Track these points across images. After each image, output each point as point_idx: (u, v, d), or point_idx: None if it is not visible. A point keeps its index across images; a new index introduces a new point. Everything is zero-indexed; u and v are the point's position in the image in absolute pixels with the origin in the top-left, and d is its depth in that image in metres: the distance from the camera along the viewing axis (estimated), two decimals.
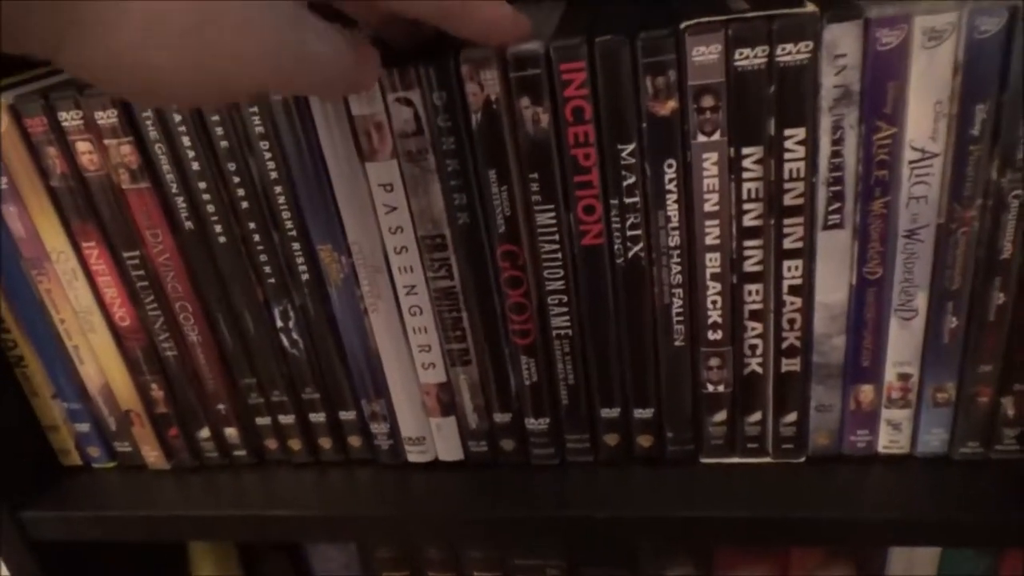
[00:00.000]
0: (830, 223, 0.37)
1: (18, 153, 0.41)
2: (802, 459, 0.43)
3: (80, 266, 0.44)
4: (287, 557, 0.67)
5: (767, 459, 0.44)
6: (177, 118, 0.39)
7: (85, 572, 0.54)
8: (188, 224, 0.42)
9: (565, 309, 0.41)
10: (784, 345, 0.40)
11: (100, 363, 0.46)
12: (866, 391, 0.41)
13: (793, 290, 0.39)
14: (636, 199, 0.38)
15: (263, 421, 0.48)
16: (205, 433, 0.48)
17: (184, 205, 0.41)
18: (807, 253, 0.38)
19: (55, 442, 0.50)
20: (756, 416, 0.43)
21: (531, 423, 0.45)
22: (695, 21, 0.33)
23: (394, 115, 0.37)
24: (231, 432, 0.48)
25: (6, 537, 0.48)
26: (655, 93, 0.35)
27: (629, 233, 0.38)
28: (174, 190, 0.41)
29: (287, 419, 0.47)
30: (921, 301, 0.38)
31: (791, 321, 0.39)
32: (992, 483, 0.41)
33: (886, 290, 0.38)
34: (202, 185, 0.40)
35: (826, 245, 0.38)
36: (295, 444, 0.48)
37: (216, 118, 0.39)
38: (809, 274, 0.38)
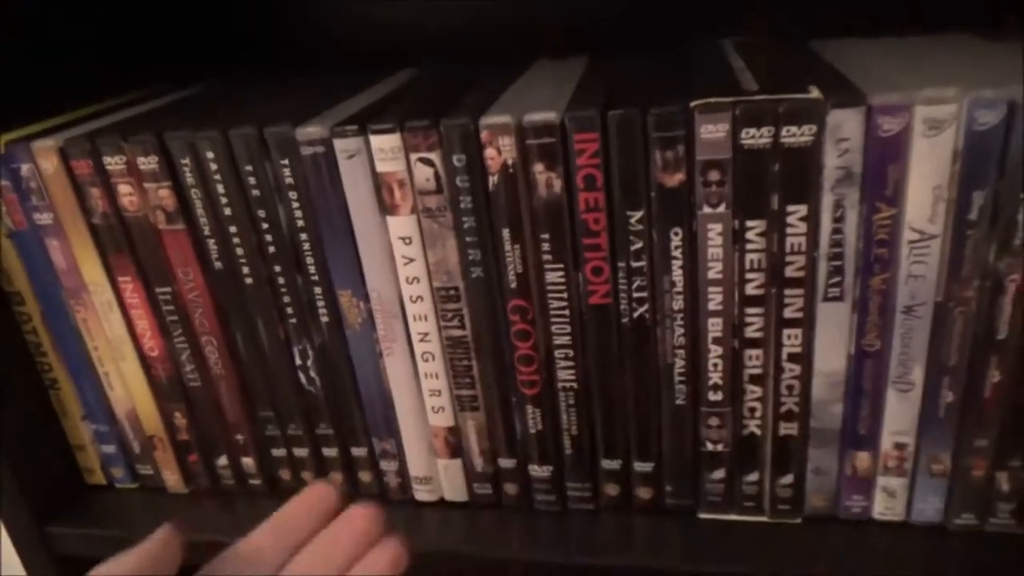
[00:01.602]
0: (830, 295, 0.38)
1: (64, 192, 0.43)
2: (798, 519, 0.44)
3: (115, 298, 0.46)
4: None
5: (764, 518, 0.45)
6: (213, 167, 0.41)
7: None
8: (218, 264, 0.44)
9: (571, 363, 0.42)
10: (783, 409, 0.41)
11: (129, 389, 0.49)
12: (862, 458, 0.42)
13: (792, 357, 0.40)
14: (643, 263, 0.39)
15: (279, 452, 0.50)
16: (223, 461, 0.50)
17: (215, 247, 0.44)
18: (807, 322, 0.39)
19: (82, 461, 0.53)
20: (754, 476, 0.44)
21: (535, 469, 0.46)
22: (704, 101, 0.35)
23: (416, 173, 0.39)
24: (248, 461, 0.50)
25: (32, 549, 0.50)
26: (664, 165, 0.37)
27: (635, 295, 0.40)
28: (206, 232, 0.43)
29: (301, 452, 0.49)
30: (918, 375, 0.39)
31: (790, 387, 0.41)
32: (986, 555, 0.41)
33: (884, 362, 0.39)
34: (233, 229, 0.43)
35: (826, 316, 0.39)
36: (308, 476, 0.50)
37: (249, 167, 0.41)
38: (808, 342, 0.39)
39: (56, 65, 0.52)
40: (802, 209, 0.36)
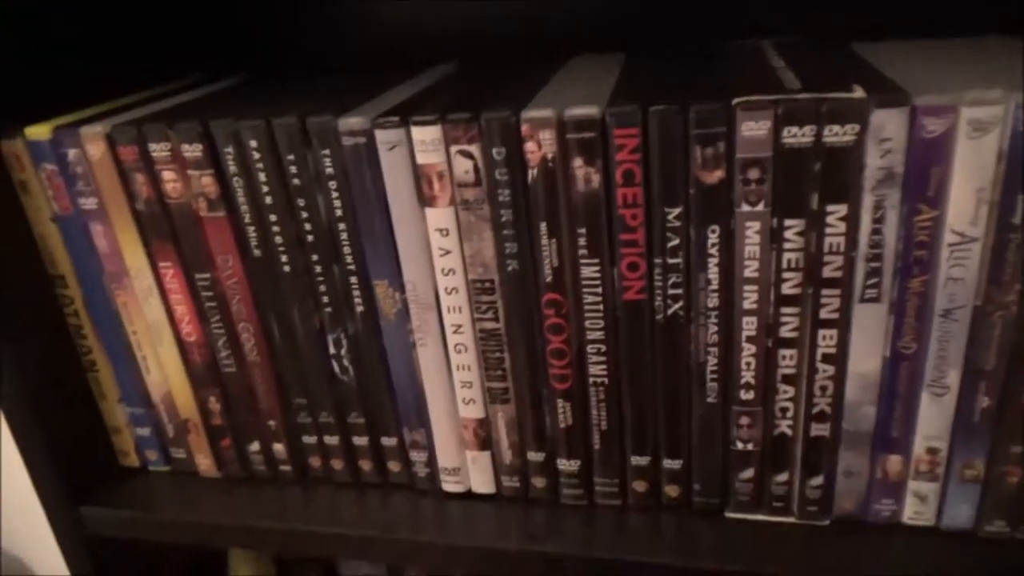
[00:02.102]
0: (867, 296, 0.38)
1: (109, 177, 0.44)
2: (826, 521, 0.44)
3: (155, 283, 0.47)
4: (321, 568, 0.69)
5: (792, 519, 0.45)
6: (255, 155, 0.42)
7: (131, 567, 0.57)
8: (257, 252, 0.45)
9: (603, 358, 0.43)
10: (815, 410, 0.41)
11: (165, 373, 0.50)
12: (894, 461, 0.42)
13: (826, 358, 0.40)
14: (679, 260, 0.39)
15: (309, 440, 0.50)
16: (255, 447, 0.51)
17: (255, 234, 0.44)
18: (842, 323, 0.39)
19: (117, 443, 0.54)
20: (783, 476, 0.44)
21: (563, 463, 0.46)
22: (746, 98, 0.35)
23: (455, 166, 0.39)
24: (279, 448, 0.51)
25: (66, 529, 0.51)
26: (703, 162, 0.37)
27: (670, 292, 0.40)
28: (247, 220, 0.44)
29: (332, 440, 0.50)
30: (953, 379, 0.39)
31: (823, 387, 0.41)
32: (1018, 563, 0.41)
33: (919, 365, 0.39)
34: (273, 217, 0.43)
35: (862, 317, 0.39)
36: (337, 464, 0.50)
37: (291, 156, 0.42)
38: (843, 343, 0.39)
39: (88, 57, 0.54)
40: (842, 209, 0.36)
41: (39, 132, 0.44)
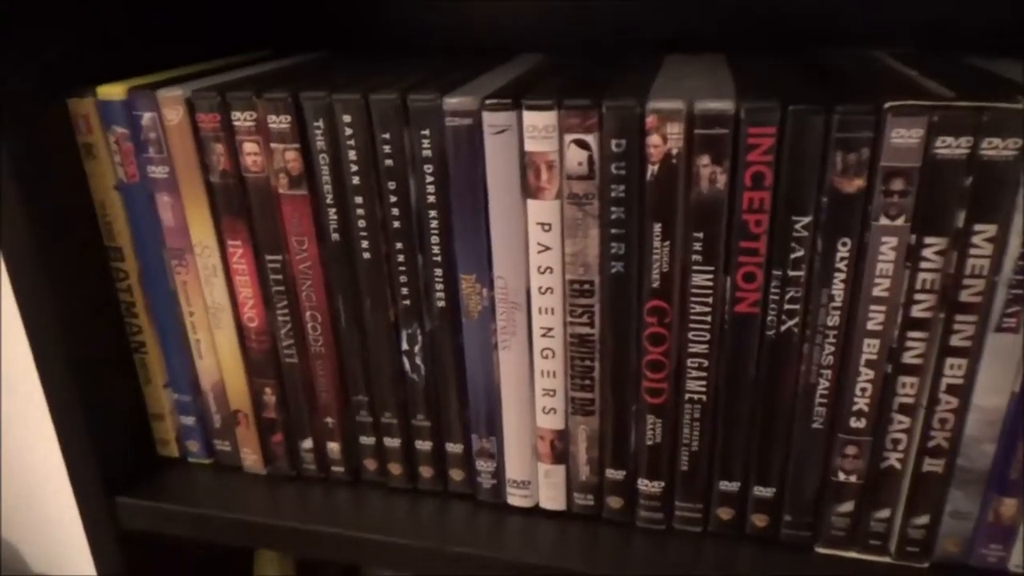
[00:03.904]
0: (1004, 326, 0.35)
1: (184, 145, 0.41)
2: (925, 564, 0.41)
3: (221, 263, 0.44)
4: (344, 568, 0.66)
5: (887, 559, 0.42)
6: (347, 131, 0.39)
7: (156, 563, 0.54)
8: (335, 236, 0.42)
9: (703, 374, 0.40)
10: (930, 444, 0.38)
11: (219, 360, 0.47)
12: (1008, 504, 0.39)
13: (951, 389, 0.37)
14: (801, 273, 0.37)
15: (367, 440, 0.47)
16: (308, 444, 0.48)
17: (335, 217, 0.41)
18: (973, 353, 0.36)
19: (157, 431, 0.50)
20: (884, 513, 0.41)
21: (644, 484, 0.43)
22: (900, 102, 0.33)
23: (568, 156, 0.37)
24: (333, 447, 0.48)
25: (98, 520, 0.48)
26: (843, 169, 0.34)
27: (787, 307, 0.37)
28: (328, 201, 0.41)
29: (392, 442, 0.46)
30: None
31: (942, 420, 0.38)
32: None
33: None
34: (358, 200, 0.40)
35: (995, 347, 0.36)
36: (395, 468, 0.47)
37: (386, 135, 0.39)
38: (971, 374, 0.37)
39: (148, 29, 0.51)
40: (990, 229, 0.34)
41: (112, 92, 0.41)
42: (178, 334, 0.46)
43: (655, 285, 0.38)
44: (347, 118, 0.39)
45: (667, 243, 0.37)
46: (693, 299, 0.38)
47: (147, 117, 0.41)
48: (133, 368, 0.49)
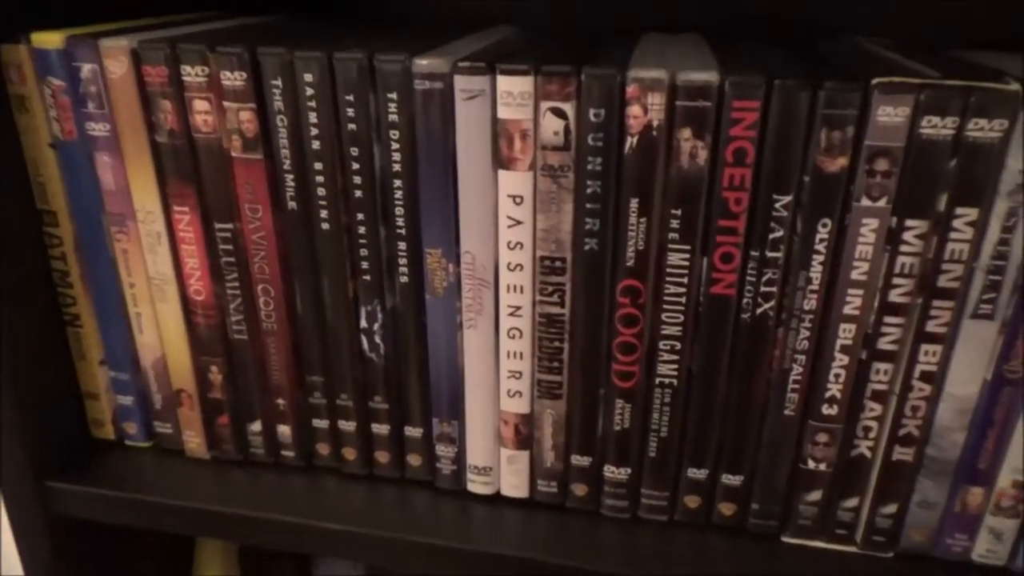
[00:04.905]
0: (980, 312, 0.35)
1: (128, 101, 0.38)
2: (890, 554, 0.41)
3: (166, 230, 0.41)
4: (294, 564, 0.63)
5: (853, 548, 0.41)
6: (308, 91, 0.37)
7: (92, 553, 0.50)
8: (292, 204, 0.39)
9: (675, 357, 0.38)
10: (901, 432, 0.38)
11: (161, 335, 0.43)
12: (975, 494, 0.39)
13: (925, 376, 0.36)
14: (779, 255, 0.35)
15: (320, 424, 0.45)
16: (256, 427, 0.45)
17: (293, 184, 0.39)
18: (948, 339, 0.36)
19: (91, 411, 0.47)
20: (853, 502, 0.40)
21: (610, 471, 0.42)
22: (888, 79, 0.32)
23: (543, 125, 0.35)
24: (284, 430, 0.45)
25: (27, 505, 0.45)
26: (827, 147, 0.33)
27: (763, 289, 0.36)
28: (286, 167, 0.38)
29: (347, 426, 0.44)
30: None
31: (915, 408, 0.37)
32: None
33: (1022, 392, 0.36)
34: (318, 166, 0.38)
35: (969, 334, 0.35)
36: (350, 453, 0.45)
37: (350, 98, 0.36)
38: (945, 361, 0.36)
39: None
40: (972, 213, 0.33)
41: (49, 40, 0.38)
42: (117, 307, 0.43)
43: (630, 264, 0.37)
44: (308, 77, 0.36)
45: (643, 220, 0.36)
46: (668, 279, 0.37)
47: (87, 69, 0.38)
48: (66, 343, 0.45)
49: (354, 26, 0.48)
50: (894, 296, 0.35)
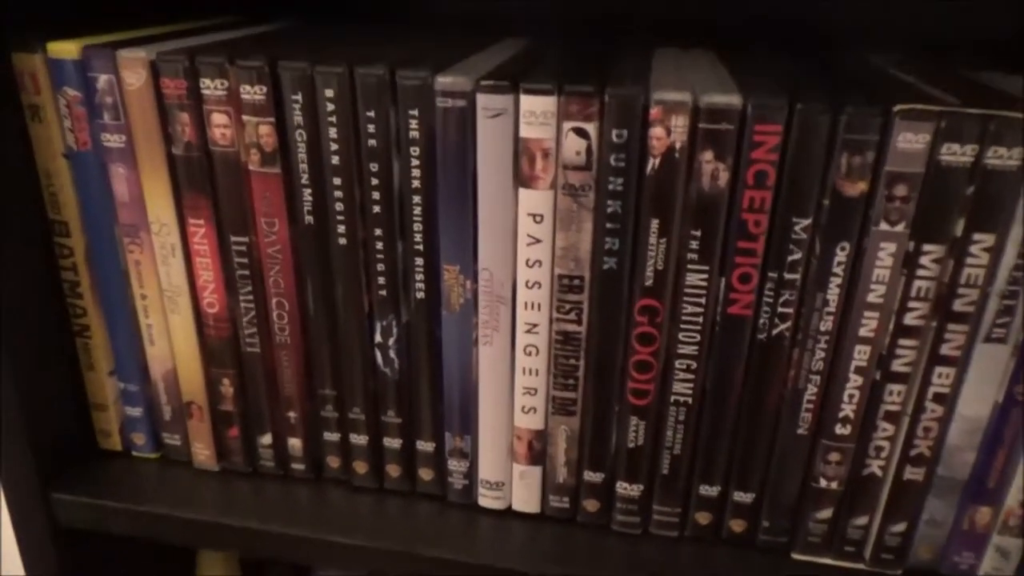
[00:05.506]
0: (993, 336, 0.35)
1: (145, 112, 0.38)
2: (899, 571, 0.41)
3: (181, 242, 0.41)
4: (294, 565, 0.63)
5: (861, 565, 0.42)
6: (328, 107, 0.36)
7: (92, 554, 0.50)
8: (309, 219, 0.39)
9: (691, 376, 0.39)
10: (912, 452, 0.38)
11: (173, 347, 0.43)
12: (983, 512, 0.39)
13: (937, 398, 0.37)
14: (796, 276, 0.36)
15: (331, 437, 0.44)
16: (267, 440, 0.45)
17: (310, 198, 0.39)
18: (961, 362, 0.36)
19: (99, 422, 0.47)
20: (862, 520, 0.40)
21: (622, 487, 0.42)
22: (910, 106, 0.32)
23: (565, 144, 0.35)
24: (295, 443, 0.45)
25: (31, 515, 0.44)
26: (847, 171, 0.33)
27: (780, 310, 0.37)
28: (303, 181, 0.38)
29: (359, 439, 0.44)
30: None
31: (927, 429, 0.38)
32: None
33: None
34: (336, 181, 0.38)
35: (983, 357, 0.36)
36: (360, 467, 0.45)
37: (370, 113, 0.36)
38: (957, 383, 0.37)
39: None
40: (988, 239, 0.34)
41: (65, 50, 0.38)
42: (127, 318, 0.43)
43: (648, 283, 0.37)
44: (329, 92, 0.36)
45: (663, 240, 0.36)
46: (686, 299, 0.37)
47: (103, 79, 0.38)
48: (75, 353, 0.45)
49: (369, 33, 0.48)
50: (909, 319, 0.36)
